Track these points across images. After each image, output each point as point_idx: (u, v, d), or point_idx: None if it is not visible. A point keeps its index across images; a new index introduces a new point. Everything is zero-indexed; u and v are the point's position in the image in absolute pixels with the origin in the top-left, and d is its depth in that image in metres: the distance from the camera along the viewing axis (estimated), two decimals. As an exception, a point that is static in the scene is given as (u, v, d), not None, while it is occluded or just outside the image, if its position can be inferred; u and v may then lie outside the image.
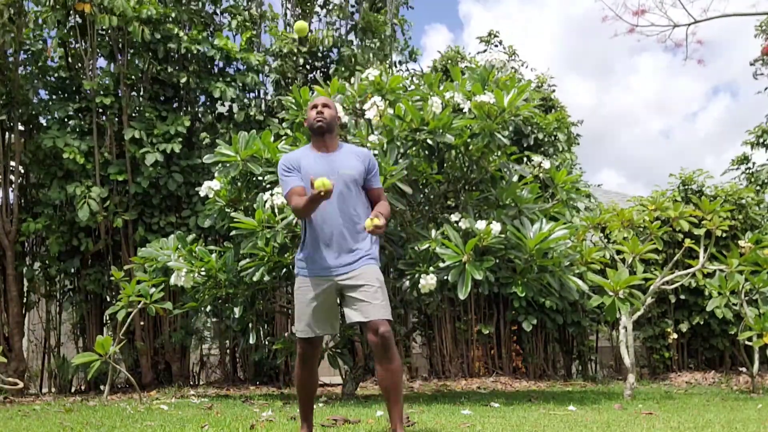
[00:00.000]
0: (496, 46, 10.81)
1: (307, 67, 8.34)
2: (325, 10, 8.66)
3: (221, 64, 8.09)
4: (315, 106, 3.16)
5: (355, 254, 3.02)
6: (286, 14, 8.61)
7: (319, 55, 8.41)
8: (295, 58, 7.94)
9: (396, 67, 9.00)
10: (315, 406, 4.73)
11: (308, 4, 8.53)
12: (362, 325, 2.99)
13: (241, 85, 7.77)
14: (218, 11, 8.30)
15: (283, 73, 7.88)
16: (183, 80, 7.52)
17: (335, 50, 8.34)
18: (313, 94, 5.84)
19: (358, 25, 8.39)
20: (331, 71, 8.14)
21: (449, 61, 9.71)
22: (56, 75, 7.90)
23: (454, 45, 9.94)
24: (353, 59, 8.07)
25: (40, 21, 7.46)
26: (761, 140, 10.80)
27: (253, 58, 7.76)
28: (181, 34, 7.53)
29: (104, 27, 7.13)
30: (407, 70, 9.73)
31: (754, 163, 10.94)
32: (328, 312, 3.05)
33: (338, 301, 3.12)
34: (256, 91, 8.16)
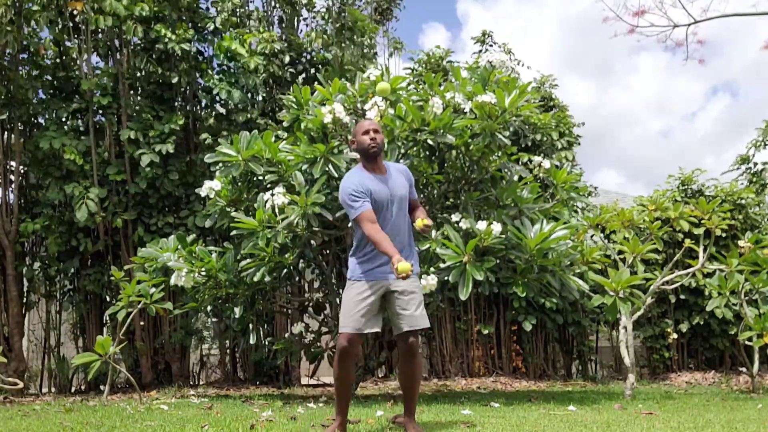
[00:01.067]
0: (491, 45, 10.79)
1: (296, 68, 8.30)
2: (311, 13, 8.65)
3: (215, 63, 8.08)
4: (367, 132, 3.40)
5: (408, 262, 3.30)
6: (271, 12, 8.59)
7: (306, 56, 8.38)
8: (281, 57, 7.92)
9: (390, 59, 8.99)
10: (315, 406, 4.74)
11: (291, 5, 8.52)
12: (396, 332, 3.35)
13: (243, 86, 7.77)
14: (209, 6, 8.25)
15: (270, 73, 7.86)
16: (174, 80, 7.51)
17: (322, 51, 8.32)
18: (314, 94, 5.83)
19: (346, 25, 8.37)
20: (320, 73, 8.13)
21: (436, 62, 9.64)
22: (54, 75, 7.89)
23: (436, 45, 9.80)
24: (341, 60, 8.06)
25: (33, 21, 7.45)
26: (764, 141, 10.78)
27: (253, 61, 7.73)
28: (170, 34, 7.48)
29: (99, 26, 7.11)
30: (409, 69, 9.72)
31: (755, 164, 10.93)
32: (377, 313, 3.35)
33: (383, 309, 3.42)
34: (254, 92, 8.16)
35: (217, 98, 7.80)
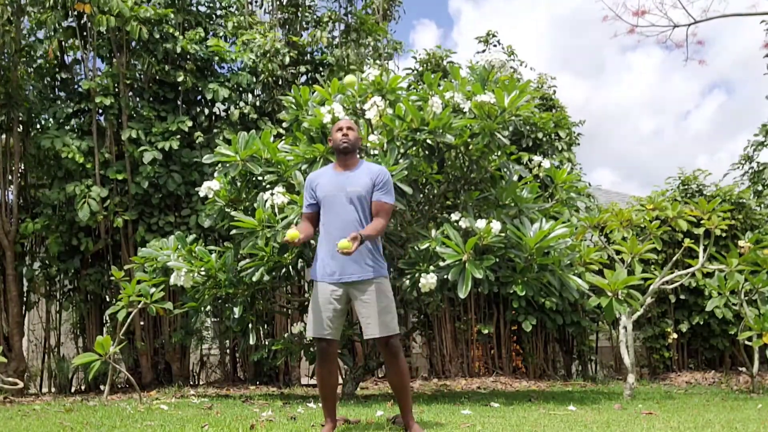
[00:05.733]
0: (495, 46, 10.77)
1: (297, 67, 8.31)
2: (309, 15, 8.65)
3: (215, 65, 8.10)
4: (340, 129, 3.45)
5: (362, 265, 3.30)
6: (275, 14, 8.61)
7: (308, 57, 8.39)
8: (281, 58, 7.93)
9: (389, 61, 9.02)
10: (315, 407, 4.74)
11: (292, 8, 8.53)
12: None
13: (234, 85, 7.77)
14: (214, 15, 8.31)
15: (270, 73, 7.87)
16: (180, 78, 7.53)
17: (327, 51, 8.33)
18: (313, 94, 5.84)
19: (351, 26, 8.38)
20: (323, 72, 8.13)
21: (435, 62, 9.64)
22: (55, 75, 7.89)
23: (436, 45, 9.83)
24: (345, 60, 8.07)
25: (36, 21, 7.45)
26: (764, 143, 10.78)
27: (247, 57, 7.78)
28: (178, 34, 7.54)
29: (103, 28, 7.12)
30: (406, 69, 9.71)
31: (758, 163, 10.93)
32: (337, 318, 3.32)
33: (347, 309, 3.39)
34: (250, 91, 8.17)
35: (213, 99, 7.79)
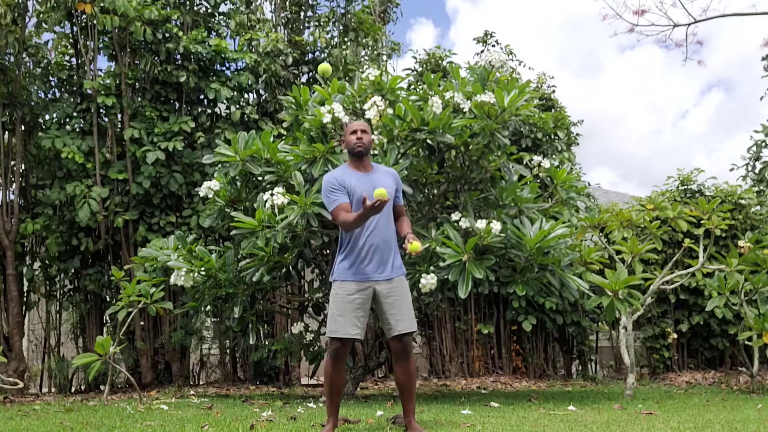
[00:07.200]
0: (494, 46, 10.76)
1: (299, 67, 8.31)
2: (312, 13, 8.65)
3: (218, 66, 8.10)
4: (354, 132, 3.47)
5: (391, 264, 3.37)
6: (279, 14, 8.62)
7: (310, 56, 8.39)
8: (283, 58, 7.93)
9: (388, 61, 9.04)
10: (315, 407, 4.75)
11: (296, 6, 8.54)
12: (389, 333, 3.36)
13: (236, 84, 7.77)
14: (216, 13, 8.31)
15: (273, 73, 7.87)
16: (183, 78, 7.53)
17: (326, 51, 8.33)
18: (313, 94, 5.84)
19: (350, 26, 8.39)
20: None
21: (435, 62, 9.66)
22: (57, 76, 7.90)
23: (435, 45, 9.87)
24: (344, 60, 8.08)
25: (38, 22, 7.45)
26: (765, 141, 10.76)
27: (248, 57, 7.79)
28: (181, 34, 7.56)
29: (107, 27, 7.12)
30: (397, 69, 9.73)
31: (757, 164, 10.91)
32: (365, 318, 3.34)
33: (371, 307, 3.41)
34: (252, 91, 8.16)
35: (215, 98, 7.79)
